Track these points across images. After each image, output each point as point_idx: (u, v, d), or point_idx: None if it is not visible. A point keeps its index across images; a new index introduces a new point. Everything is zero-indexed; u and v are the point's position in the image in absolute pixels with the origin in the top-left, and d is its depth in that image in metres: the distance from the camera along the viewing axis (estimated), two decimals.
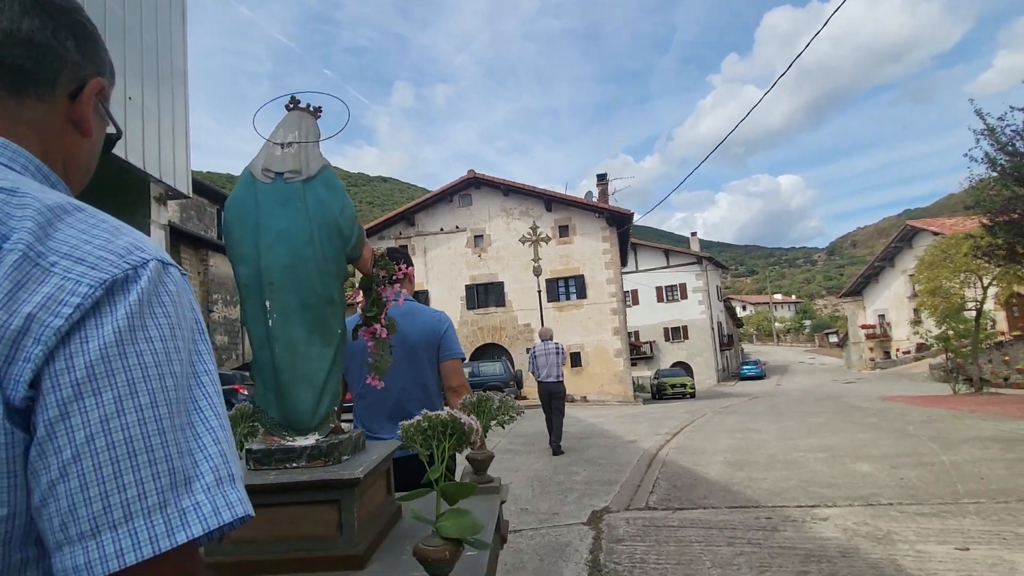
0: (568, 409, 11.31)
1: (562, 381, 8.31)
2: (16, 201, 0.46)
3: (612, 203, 24.62)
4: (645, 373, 33.83)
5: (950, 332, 17.81)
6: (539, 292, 20.81)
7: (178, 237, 20.79)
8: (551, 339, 8.45)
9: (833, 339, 62.40)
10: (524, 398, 20.61)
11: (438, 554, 0.89)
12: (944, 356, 25.15)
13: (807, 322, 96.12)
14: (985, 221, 11.57)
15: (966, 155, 11.36)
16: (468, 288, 23.73)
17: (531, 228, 20.94)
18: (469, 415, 1.29)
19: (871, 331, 41.39)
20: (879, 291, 40.83)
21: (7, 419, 0.41)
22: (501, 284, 23.49)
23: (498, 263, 23.56)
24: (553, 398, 8.17)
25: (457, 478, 1.74)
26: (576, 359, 22.38)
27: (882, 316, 40.76)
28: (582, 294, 22.91)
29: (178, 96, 10.72)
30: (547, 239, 21.15)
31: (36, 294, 0.43)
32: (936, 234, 33.02)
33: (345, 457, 1.23)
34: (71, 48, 0.57)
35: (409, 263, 2.22)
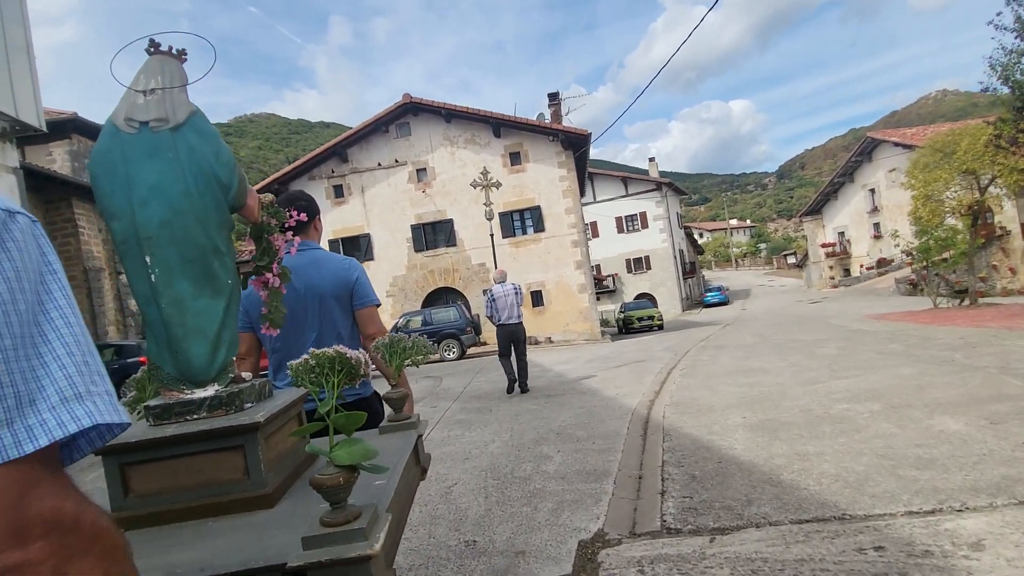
0: (531, 354, 9.69)
1: (522, 323, 8.24)
2: None
3: (566, 124, 22.36)
4: (609, 307, 32.66)
5: (931, 243, 16.71)
6: (491, 236, 18.85)
7: (69, 189, 17.76)
8: (507, 280, 8.30)
9: (792, 260, 62.61)
10: (484, 343, 18.95)
11: (332, 481, 0.88)
12: (911, 269, 24.39)
13: (762, 245, 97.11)
14: (1017, 103, 9.94)
15: (990, 23, 9.62)
16: (414, 228, 21.45)
17: (481, 172, 18.79)
18: (379, 355, 1.54)
19: (831, 249, 41.08)
20: (839, 208, 40.28)
21: None
22: (450, 222, 21.29)
23: (445, 199, 21.25)
24: (516, 341, 8.04)
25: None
26: (537, 298, 20.65)
27: (841, 233, 40.39)
28: (539, 227, 20.95)
29: (9, 6, 8.16)
30: (498, 184, 19.20)
31: None
32: (898, 144, 32.04)
33: (248, 404, 1.20)
34: None
35: (314, 211, 2.18)
